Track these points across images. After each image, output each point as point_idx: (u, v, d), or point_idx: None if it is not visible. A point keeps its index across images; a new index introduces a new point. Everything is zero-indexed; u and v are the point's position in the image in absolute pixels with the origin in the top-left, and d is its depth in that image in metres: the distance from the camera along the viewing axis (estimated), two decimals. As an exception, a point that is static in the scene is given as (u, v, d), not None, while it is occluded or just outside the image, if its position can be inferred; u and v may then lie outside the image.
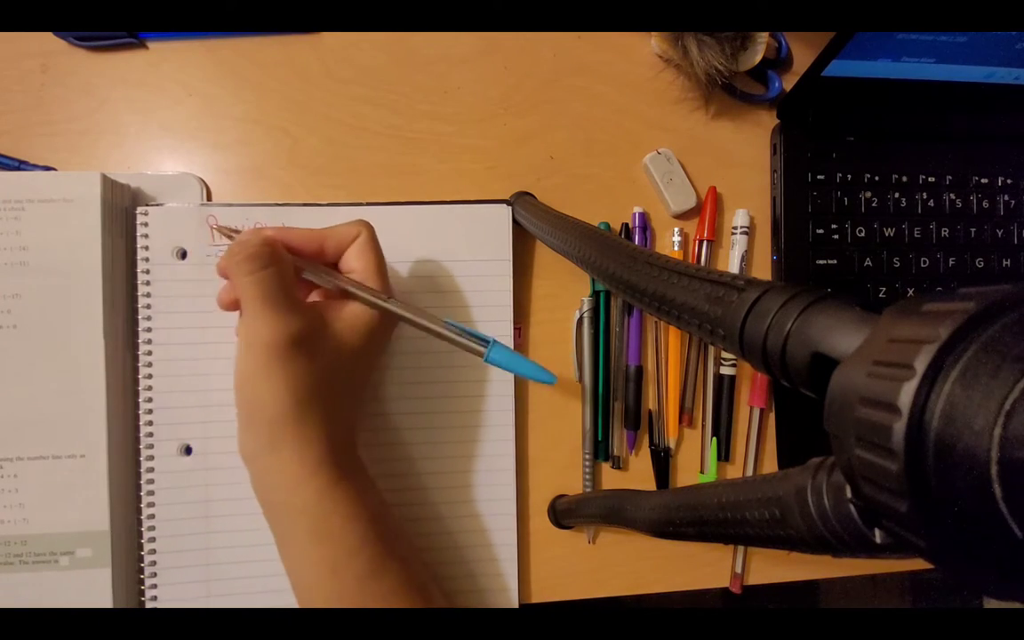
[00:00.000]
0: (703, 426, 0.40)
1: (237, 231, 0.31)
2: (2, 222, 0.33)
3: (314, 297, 0.33)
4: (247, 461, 0.30)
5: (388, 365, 0.37)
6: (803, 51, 0.42)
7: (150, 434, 0.35)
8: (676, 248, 0.40)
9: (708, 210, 0.40)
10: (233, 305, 0.31)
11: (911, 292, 0.40)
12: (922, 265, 0.40)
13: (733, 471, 0.41)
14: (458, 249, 0.37)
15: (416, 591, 0.31)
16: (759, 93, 0.41)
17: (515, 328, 0.38)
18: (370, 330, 0.30)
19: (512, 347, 0.37)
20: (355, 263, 0.31)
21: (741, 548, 0.40)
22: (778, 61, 0.42)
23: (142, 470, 0.35)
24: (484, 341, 0.30)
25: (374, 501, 0.31)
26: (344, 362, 0.30)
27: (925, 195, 0.41)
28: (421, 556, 0.36)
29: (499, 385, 0.37)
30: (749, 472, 0.40)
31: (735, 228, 0.40)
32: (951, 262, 0.41)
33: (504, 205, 0.38)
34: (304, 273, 0.31)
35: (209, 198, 0.38)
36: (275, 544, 0.30)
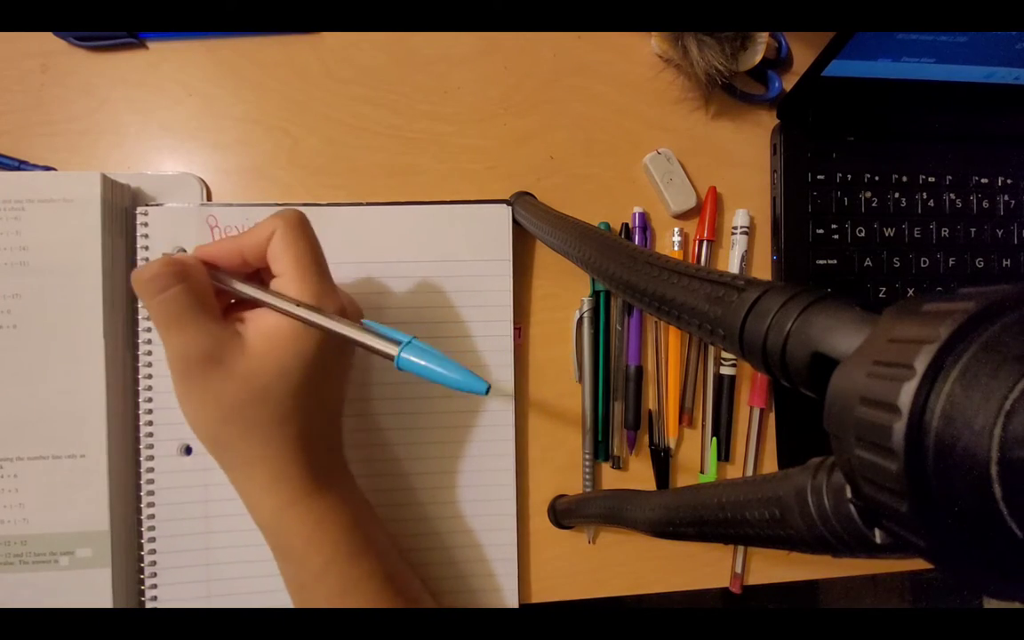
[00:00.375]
0: (703, 426, 0.40)
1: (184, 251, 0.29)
2: (2, 222, 0.33)
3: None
4: None
5: (387, 367, 0.37)
6: (803, 51, 0.42)
7: (150, 434, 0.35)
8: (676, 248, 0.40)
9: (708, 210, 0.40)
10: None
11: (911, 292, 0.40)
12: (922, 265, 0.40)
13: (733, 471, 0.41)
14: (458, 249, 0.37)
15: (401, 603, 0.30)
16: (759, 93, 0.41)
17: (515, 328, 0.38)
18: (296, 336, 0.27)
19: (513, 350, 0.37)
20: (276, 265, 0.28)
21: (741, 548, 0.40)
22: (778, 61, 0.42)
23: (142, 470, 0.35)
24: (397, 341, 0.25)
25: (348, 516, 0.29)
26: (276, 376, 0.27)
27: (925, 195, 0.41)
28: (411, 557, 0.36)
29: (499, 385, 0.37)
30: (749, 472, 0.40)
31: (735, 228, 0.40)
32: (951, 262, 0.41)
33: (504, 205, 0.38)
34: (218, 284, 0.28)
35: (209, 198, 0.38)
36: None
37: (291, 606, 0.34)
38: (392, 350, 0.25)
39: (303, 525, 0.28)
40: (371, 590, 0.29)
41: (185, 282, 0.26)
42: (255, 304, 0.28)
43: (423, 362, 0.24)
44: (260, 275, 0.30)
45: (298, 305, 0.26)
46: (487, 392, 0.24)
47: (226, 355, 0.26)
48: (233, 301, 0.30)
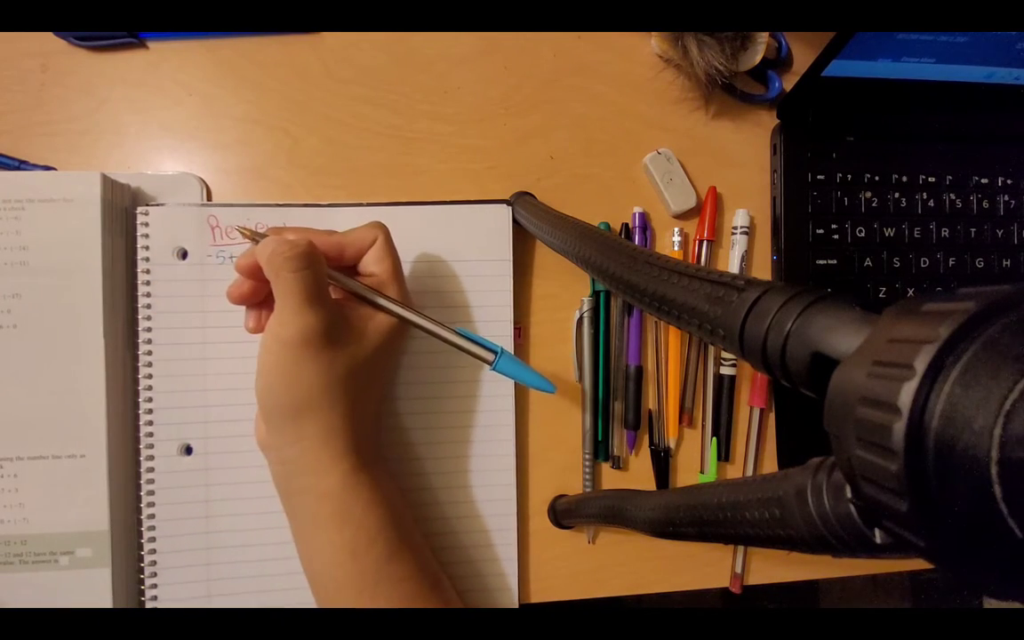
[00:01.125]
0: (703, 426, 0.40)
1: (261, 234, 0.31)
2: (2, 222, 0.33)
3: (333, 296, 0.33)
4: (267, 450, 0.31)
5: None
6: (803, 51, 0.42)
7: (150, 434, 0.35)
8: (676, 248, 0.40)
9: (708, 210, 0.40)
10: (243, 299, 0.31)
11: (911, 292, 0.40)
12: (922, 265, 0.40)
13: (733, 471, 0.41)
14: (458, 249, 0.37)
15: (428, 578, 0.32)
16: (759, 93, 0.41)
17: (515, 328, 0.38)
18: (390, 331, 0.32)
19: (513, 350, 0.38)
20: (374, 268, 0.32)
21: (741, 548, 0.40)
22: (778, 61, 0.42)
23: (142, 470, 0.35)
24: (493, 350, 0.31)
25: (392, 490, 0.32)
26: (366, 359, 0.31)
27: (925, 195, 0.41)
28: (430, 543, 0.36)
29: (500, 386, 0.37)
30: (749, 472, 0.40)
31: (735, 228, 0.40)
32: (951, 262, 0.41)
33: (504, 205, 0.38)
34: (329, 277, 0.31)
35: (209, 198, 0.38)
36: (291, 533, 0.31)
37: (291, 605, 0.34)
38: (490, 357, 0.31)
39: (364, 489, 0.30)
40: (407, 560, 0.31)
41: (320, 265, 0.29)
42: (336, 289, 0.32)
43: (512, 368, 0.31)
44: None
45: (405, 308, 0.31)
46: (554, 391, 0.32)
47: (342, 333, 0.30)
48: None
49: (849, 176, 0.40)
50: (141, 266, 0.35)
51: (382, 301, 0.31)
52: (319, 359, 0.29)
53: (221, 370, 0.35)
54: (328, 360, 0.29)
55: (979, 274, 0.41)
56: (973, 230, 0.41)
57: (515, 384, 0.38)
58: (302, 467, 0.30)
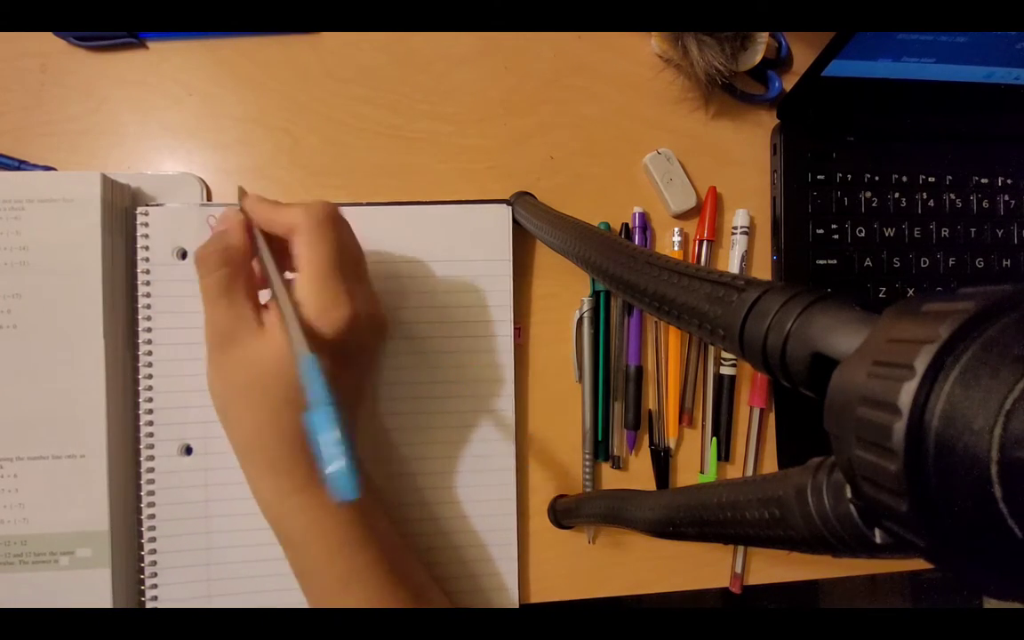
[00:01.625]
0: (703, 426, 0.40)
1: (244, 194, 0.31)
2: (2, 222, 0.33)
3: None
4: None
5: (388, 366, 0.37)
6: (803, 51, 0.42)
7: (150, 434, 0.35)
8: (676, 248, 0.40)
9: (708, 210, 0.40)
10: None
11: (911, 292, 0.40)
12: (922, 265, 0.40)
13: (733, 471, 0.41)
14: (458, 249, 0.37)
15: (409, 594, 0.30)
16: (759, 93, 0.41)
17: (515, 328, 0.38)
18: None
19: (513, 349, 0.37)
20: (296, 262, 0.28)
21: (741, 548, 0.40)
22: (778, 61, 0.42)
23: (142, 470, 0.35)
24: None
25: (349, 509, 0.29)
26: (276, 364, 0.27)
27: (925, 195, 0.41)
28: (421, 557, 0.36)
29: (499, 386, 0.37)
30: (749, 472, 0.40)
31: (735, 228, 0.40)
32: (951, 262, 0.41)
33: (504, 205, 0.38)
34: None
35: (209, 198, 0.38)
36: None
37: (292, 605, 0.34)
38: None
39: (301, 515, 0.28)
40: (372, 580, 0.29)
41: (229, 266, 0.28)
42: None
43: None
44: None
45: (293, 312, 0.26)
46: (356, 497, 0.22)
47: (241, 336, 0.28)
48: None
49: (849, 176, 0.40)
50: (141, 266, 0.35)
51: (271, 285, 0.27)
52: (225, 362, 0.28)
53: (221, 370, 0.35)
54: (233, 364, 0.28)
55: (979, 274, 0.41)
56: (973, 230, 0.41)
57: (515, 384, 0.38)
58: (247, 481, 0.29)
